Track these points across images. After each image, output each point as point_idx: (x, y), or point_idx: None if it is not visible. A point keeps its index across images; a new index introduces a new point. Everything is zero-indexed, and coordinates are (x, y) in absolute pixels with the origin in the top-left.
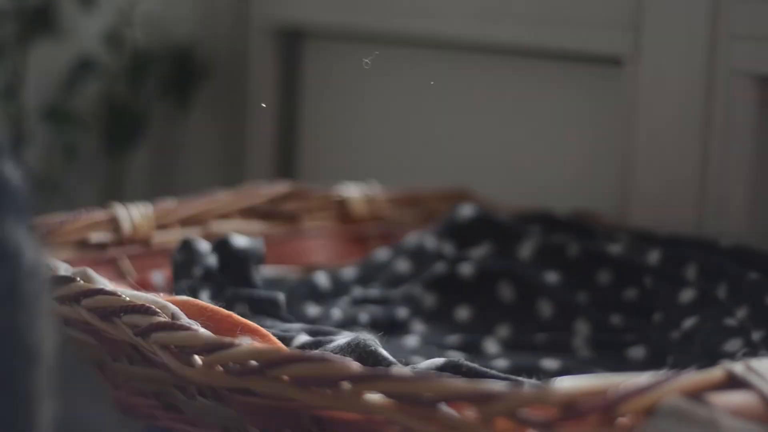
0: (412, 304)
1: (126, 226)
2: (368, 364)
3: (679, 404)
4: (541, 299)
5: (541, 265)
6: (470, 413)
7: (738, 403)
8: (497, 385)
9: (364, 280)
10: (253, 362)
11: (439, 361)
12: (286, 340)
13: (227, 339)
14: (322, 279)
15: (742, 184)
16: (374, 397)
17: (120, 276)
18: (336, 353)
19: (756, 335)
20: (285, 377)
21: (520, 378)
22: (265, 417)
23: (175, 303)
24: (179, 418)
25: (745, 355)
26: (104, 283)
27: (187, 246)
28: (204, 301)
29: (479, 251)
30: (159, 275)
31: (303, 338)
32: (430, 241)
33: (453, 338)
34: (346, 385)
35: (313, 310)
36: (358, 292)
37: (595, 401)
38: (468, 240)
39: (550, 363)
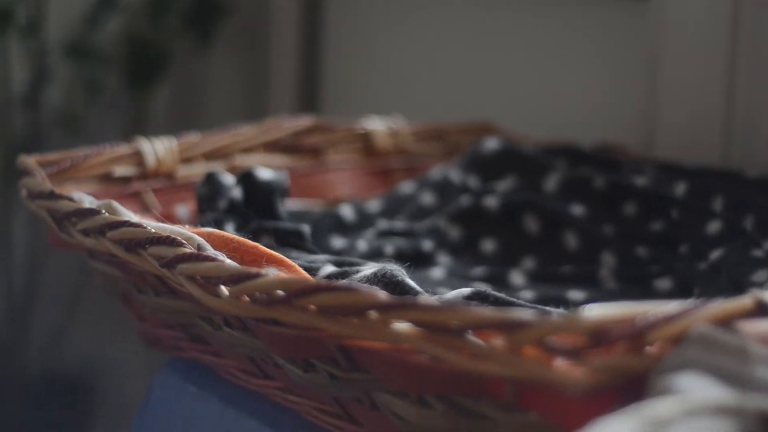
0: (438, 237)
1: (150, 159)
2: (395, 293)
3: (708, 332)
4: (566, 231)
5: (567, 197)
6: (498, 342)
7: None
8: (525, 314)
9: (388, 212)
10: (280, 292)
11: (465, 291)
12: (312, 270)
13: (253, 269)
14: (347, 211)
15: None
16: (401, 326)
17: (145, 209)
18: (362, 283)
19: None
20: (312, 307)
21: (546, 308)
22: (291, 346)
23: (200, 235)
24: (205, 349)
25: None
26: (129, 215)
27: (211, 179)
28: (229, 233)
29: (504, 184)
30: (183, 208)
31: (329, 269)
32: (455, 174)
33: (478, 270)
34: (373, 315)
35: (338, 242)
36: (383, 224)
37: (624, 329)
38: (493, 173)
39: (576, 294)
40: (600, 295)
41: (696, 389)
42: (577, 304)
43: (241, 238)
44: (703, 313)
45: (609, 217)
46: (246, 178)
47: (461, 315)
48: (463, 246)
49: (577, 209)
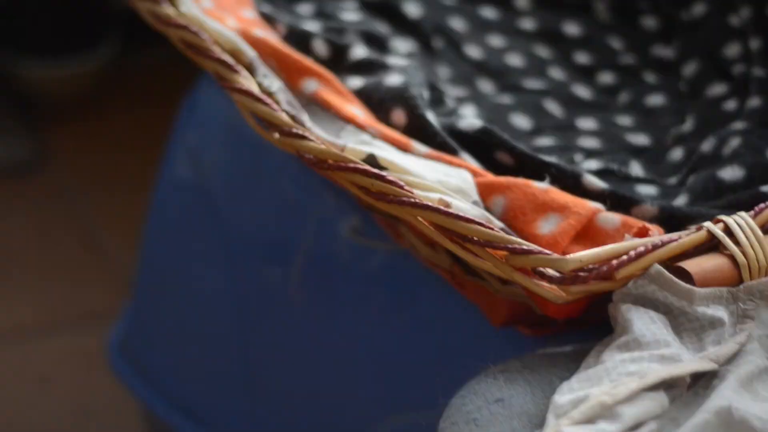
0: None
1: None
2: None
3: (663, 273)
4: None
5: None
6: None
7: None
8: (528, 246)
9: None
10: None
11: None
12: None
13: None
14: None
15: None
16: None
17: None
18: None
19: (755, 43)
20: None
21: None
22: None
23: (250, 40)
24: None
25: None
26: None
27: None
28: None
29: None
30: None
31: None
32: None
33: None
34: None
35: None
36: None
37: (600, 269)
38: None
39: (571, 28)
40: (594, 29)
41: (646, 331)
42: (574, 40)
43: (288, 50)
44: (664, 251)
45: None
46: None
47: (480, 231)
48: None
49: None
